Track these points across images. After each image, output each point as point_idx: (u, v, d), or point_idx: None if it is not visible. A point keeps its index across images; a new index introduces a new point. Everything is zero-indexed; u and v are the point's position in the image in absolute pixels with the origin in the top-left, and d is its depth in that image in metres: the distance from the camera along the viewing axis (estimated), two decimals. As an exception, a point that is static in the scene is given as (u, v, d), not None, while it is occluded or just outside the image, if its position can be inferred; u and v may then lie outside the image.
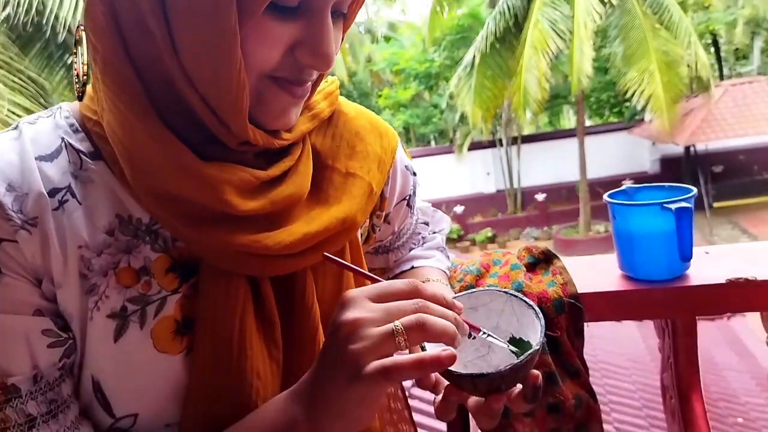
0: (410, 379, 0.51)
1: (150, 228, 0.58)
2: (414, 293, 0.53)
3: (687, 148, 12.49)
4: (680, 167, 12.96)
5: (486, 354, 0.65)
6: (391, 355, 0.51)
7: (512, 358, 0.62)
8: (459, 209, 12.99)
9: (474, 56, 10.80)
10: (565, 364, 0.96)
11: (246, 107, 0.55)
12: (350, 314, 0.51)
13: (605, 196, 0.98)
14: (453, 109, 13.63)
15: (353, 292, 0.53)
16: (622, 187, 1.02)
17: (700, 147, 12.53)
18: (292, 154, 0.64)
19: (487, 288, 0.65)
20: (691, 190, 0.93)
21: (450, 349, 0.50)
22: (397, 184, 0.82)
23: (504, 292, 0.64)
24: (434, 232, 1.02)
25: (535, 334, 0.59)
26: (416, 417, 0.88)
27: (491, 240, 12.70)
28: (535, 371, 0.58)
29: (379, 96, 16.41)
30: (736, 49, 19.07)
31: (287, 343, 0.63)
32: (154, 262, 0.58)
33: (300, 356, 0.63)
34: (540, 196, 13.26)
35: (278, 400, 0.56)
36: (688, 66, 10.10)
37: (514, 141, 13.84)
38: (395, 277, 0.96)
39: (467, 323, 0.56)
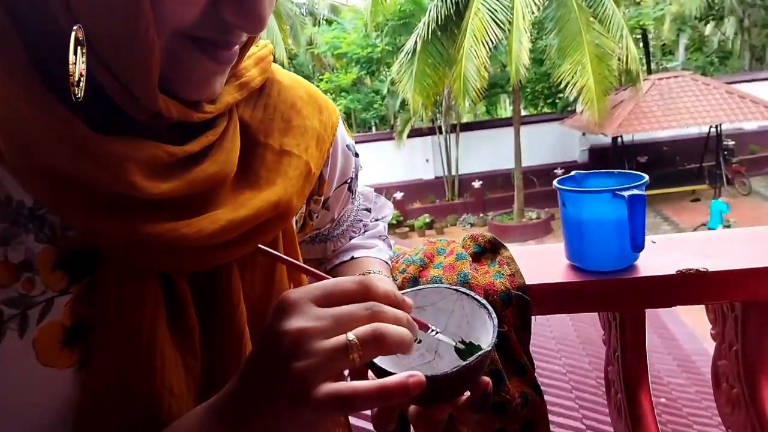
0: (369, 409, 0.43)
1: (34, 213, 0.47)
2: (365, 294, 0.45)
3: (614, 139, 13.00)
4: (608, 157, 13.47)
5: (432, 360, 0.59)
6: (343, 374, 0.43)
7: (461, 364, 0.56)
8: (398, 195, 13.05)
9: (416, 43, 10.77)
10: (511, 360, 0.91)
11: (155, 72, 0.45)
12: (293, 323, 0.42)
13: (555, 182, 0.93)
14: (394, 96, 13.61)
15: (294, 294, 0.44)
16: (571, 174, 0.98)
17: (627, 138, 13.07)
18: (215, 128, 0.55)
19: (436, 285, 0.58)
20: (642, 177, 0.89)
21: (417, 375, 0.42)
22: (337, 165, 0.74)
23: (455, 290, 0.57)
24: (376, 220, 0.95)
25: (486, 336, 0.53)
26: (352, 421, 0.81)
27: (429, 226, 12.85)
28: (485, 377, 0.51)
29: (321, 80, 16.15)
30: (663, 44, 20.00)
31: (207, 351, 0.54)
32: (38, 255, 0.47)
33: (222, 366, 0.54)
34: (476, 184, 13.50)
35: (193, 418, 0.47)
36: (619, 59, 10.46)
37: (453, 129, 13.98)
38: (333, 269, 0.88)
39: (416, 321, 0.49)
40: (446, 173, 14.04)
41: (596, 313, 1.03)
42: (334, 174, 0.74)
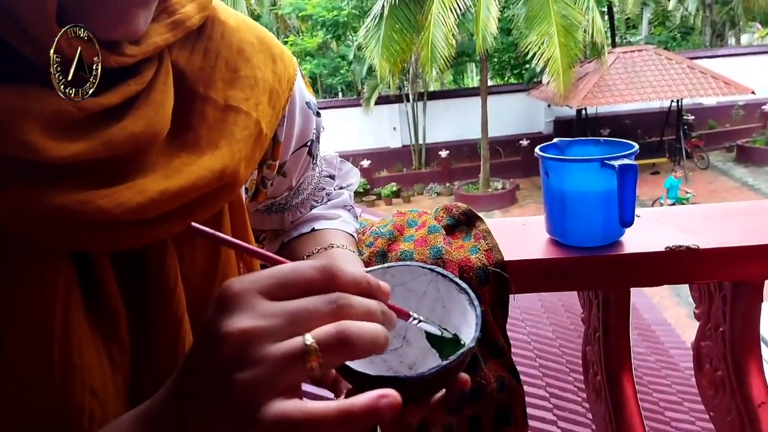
0: None
1: None
2: (329, 283, 0.37)
3: (579, 111, 13.09)
4: (572, 129, 13.58)
5: (399, 347, 0.51)
6: (299, 387, 0.35)
7: (433, 354, 0.47)
8: (365, 163, 12.92)
9: (383, 7, 10.53)
10: (487, 342, 0.84)
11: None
12: (235, 322, 0.33)
13: (537, 150, 0.85)
14: (361, 61, 13.35)
15: (238, 285, 0.35)
16: (554, 141, 0.90)
17: (591, 110, 13.18)
18: (140, 76, 0.44)
19: (408, 263, 0.49)
20: (632, 146, 0.82)
21: (391, 395, 0.33)
22: (295, 126, 0.64)
23: (429, 269, 0.48)
24: (341, 188, 0.85)
25: (467, 327, 0.45)
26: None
27: (396, 194, 12.82)
28: (464, 375, 0.43)
29: (285, 42, 15.69)
30: (627, 18, 20.13)
31: (137, 341, 0.44)
32: None
33: (156, 360, 0.45)
34: (443, 153, 13.46)
35: (120, 427, 0.38)
36: (585, 31, 10.45)
37: (420, 97, 13.84)
38: (291, 241, 0.78)
39: (394, 308, 0.40)
40: (413, 142, 13.94)
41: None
42: (291, 135, 0.64)
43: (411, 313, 0.43)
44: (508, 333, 0.84)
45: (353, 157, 12.32)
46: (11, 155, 0.37)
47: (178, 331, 0.46)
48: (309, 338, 0.33)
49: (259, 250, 0.41)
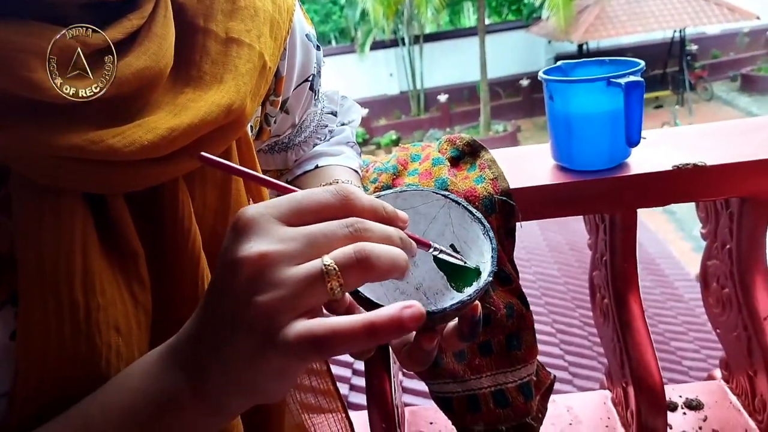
0: (354, 350, 0.34)
1: None
2: (345, 207, 0.36)
3: (580, 46, 12.79)
4: (574, 66, 13.30)
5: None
6: (320, 309, 0.34)
7: (439, 276, 0.47)
8: (363, 112, 12.74)
9: (373, -54, 10.15)
10: (496, 270, 0.85)
11: None
12: (253, 247, 0.33)
13: (540, 74, 0.83)
14: (353, 6, 12.96)
15: (253, 210, 0.34)
16: (557, 64, 0.88)
17: (593, 45, 12.88)
18: (141, 9, 0.43)
19: (421, 188, 0.48)
20: (638, 63, 0.80)
21: (415, 305, 0.32)
22: (296, 59, 0.63)
23: (444, 195, 0.47)
24: (343, 124, 0.84)
25: (479, 255, 0.44)
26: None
27: (396, 143, 12.72)
28: (475, 302, 0.43)
29: (273, -10, 15.21)
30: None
31: (157, 282, 0.45)
32: None
33: (177, 299, 0.45)
34: (442, 97, 13.25)
35: (146, 363, 0.38)
36: (585, -39, 10.11)
37: (416, 40, 13.51)
38: (295, 179, 0.77)
39: (414, 238, 0.39)
40: (411, 87, 13.71)
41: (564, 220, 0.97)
42: (293, 69, 0.63)
43: (432, 243, 0.42)
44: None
45: (351, 106, 12.14)
46: (18, 95, 0.36)
47: (196, 269, 0.46)
48: (328, 259, 0.33)
49: (270, 179, 0.40)
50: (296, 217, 0.35)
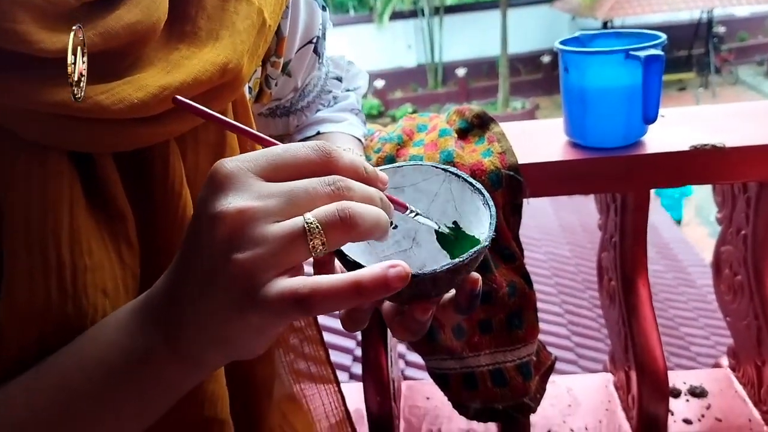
0: (337, 310, 0.33)
1: None
2: (327, 164, 0.35)
3: (605, 24, 12.49)
4: (597, 44, 13.03)
5: (409, 249, 0.49)
6: (301, 267, 0.33)
7: (442, 256, 0.46)
8: (379, 84, 12.61)
9: None
10: (499, 247, 0.82)
11: None
12: (231, 202, 0.32)
13: (556, 44, 0.80)
14: (373, -26, 12.74)
15: (231, 164, 0.33)
16: (575, 35, 0.84)
17: (617, 22, 12.57)
18: None
19: (419, 163, 0.47)
20: (659, 36, 0.76)
21: (401, 265, 0.32)
22: (299, 19, 0.60)
23: (443, 169, 0.46)
24: (348, 90, 0.81)
25: (480, 226, 0.42)
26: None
27: (411, 117, 12.58)
28: (475, 274, 0.41)
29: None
30: None
31: (145, 247, 0.43)
32: None
33: (164, 265, 0.44)
34: (460, 72, 13.06)
35: (121, 318, 0.37)
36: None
37: (436, 11, 13.27)
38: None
39: (392, 200, 0.38)
40: (429, 60, 13.51)
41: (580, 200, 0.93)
42: (295, 30, 0.60)
43: (408, 205, 0.41)
44: (525, 250, 0.82)
45: (367, 78, 12.03)
46: (3, 47, 0.34)
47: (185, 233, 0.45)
48: (310, 217, 0.32)
49: (247, 128, 0.38)
50: (275, 173, 0.34)
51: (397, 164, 0.46)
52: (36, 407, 0.36)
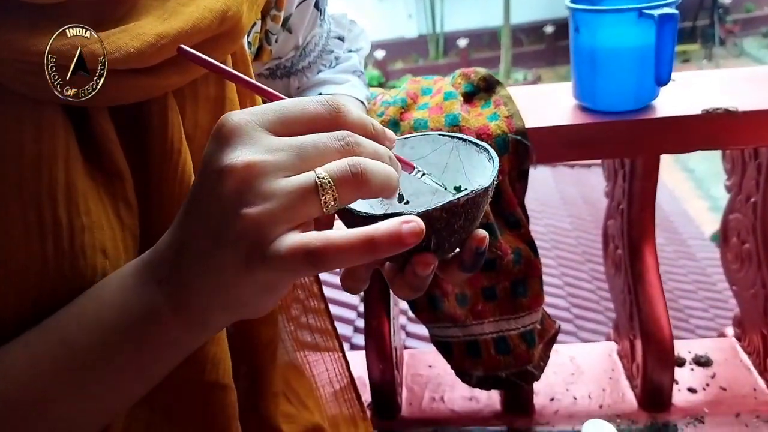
0: (348, 266, 0.33)
1: None
2: (336, 120, 0.34)
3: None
4: (601, 14, 12.83)
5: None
6: (311, 224, 0.32)
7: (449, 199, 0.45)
8: (379, 55, 12.44)
9: None
10: (504, 213, 0.81)
11: None
12: (239, 155, 0.31)
13: (567, 2, 0.77)
14: (374, -58, 12.47)
15: (238, 117, 0.32)
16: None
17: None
18: None
19: (427, 133, 0.46)
20: (674, -6, 0.73)
21: (414, 220, 0.31)
22: None
23: (450, 136, 0.45)
24: (350, 51, 0.79)
25: (484, 178, 0.41)
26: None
27: (411, 88, 12.47)
28: (481, 231, 0.39)
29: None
30: None
31: (144, 206, 0.42)
32: None
33: (164, 225, 0.43)
34: (462, 42, 12.88)
35: (123, 277, 0.36)
36: None
37: (437, -20, 13.03)
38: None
39: (399, 159, 0.37)
40: (430, 31, 13.32)
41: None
42: None
43: (415, 165, 0.40)
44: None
45: (368, 49, 11.87)
46: None
47: (186, 192, 0.43)
48: (322, 172, 0.31)
49: (255, 82, 0.37)
50: (283, 127, 0.32)
51: (404, 136, 0.45)
52: (36, 363, 0.35)
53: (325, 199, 0.30)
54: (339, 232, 0.30)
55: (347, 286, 0.42)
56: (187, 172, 0.43)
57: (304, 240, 0.29)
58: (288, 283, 0.34)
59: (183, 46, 0.36)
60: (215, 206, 0.31)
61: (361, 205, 0.45)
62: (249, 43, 0.56)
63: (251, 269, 0.30)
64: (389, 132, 0.37)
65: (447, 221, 0.36)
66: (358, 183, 0.31)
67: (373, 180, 0.31)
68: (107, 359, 0.35)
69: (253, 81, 0.37)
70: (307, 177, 0.31)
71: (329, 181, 0.30)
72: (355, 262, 0.31)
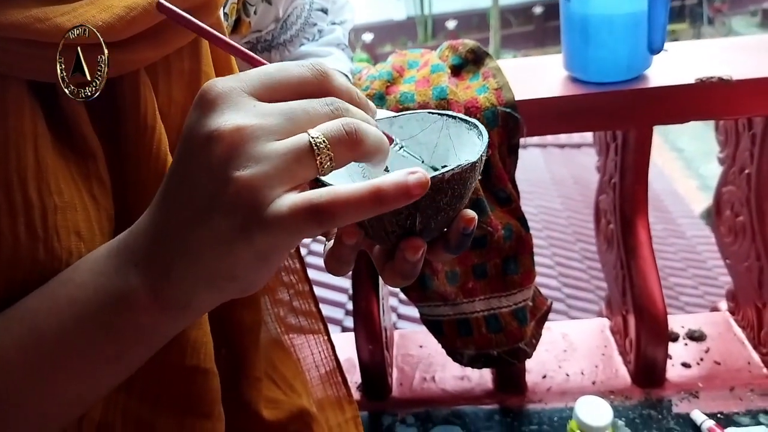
0: (353, 221, 0.30)
1: None
2: (323, 85, 0.32)
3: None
4: (590, -6, 12.77)
5: None
6: (307, 188, 0.31)
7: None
8: (367, 37, 12.32)
9: None
10: (494, 188, 0.79)
11: None
12: (228, 119, 0.29)
13: (558, -30, 0.74)
14: None
15: (222, 83, 0.30)
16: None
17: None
18: None
19: (416, 112, 0.43)
20: (667, -40, 0.71)
21: (420, 171, 0.30)
22: None
23: (439, 114, 0.42)
24: (333, 24, 0.76)
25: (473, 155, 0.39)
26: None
27: (400, 71, 12.39)
28: (470, 212, 0.37)
29: None
30: None
31: (120, 186, 0.40)
32: None
33: (141, 205, 0.40)
34: (451, 24, 12.79)
35: (96, 260, 0.34)
36: None
37: (425, -39, 12.90)
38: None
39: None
40: (419, 13, 13.21)
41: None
42: None
43: (394, 137, 0.39)
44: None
45: (354, 32, 11.75)
46: None
47: (162, 171, 0.41)
48: (315, 132, 0.29)
49: (239, 46, 0.35)
50: (269, 93, 0.31)
51: (392, 115, 0.43)
52: (4, 350, 0.33)
53: (321, 159, 0.29)
54: (343, 185, 0.29)
55: (331, 267, 0.39)
56: (163, 149, 0.40)
57: (307, 197, 0.28)
58: (286, 250, 0.31)
59: (163, 2, 0.33)
60: (204, 174, 0.29)
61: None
62: (225, 14, 0.53)
63: (249, 235, 0.28)
64: (371, 104, 0.35)
65: (432, 198, 0.34)
66: (353, 143, 0.30)
67: (366, 140, 0.30)
68: (77, 345, 0.33)
69: (236, 44, 0.34)
70: (300, 138, 0.29)
71: (324, 141, 0.29)
72: (362, 216, 0.29)
